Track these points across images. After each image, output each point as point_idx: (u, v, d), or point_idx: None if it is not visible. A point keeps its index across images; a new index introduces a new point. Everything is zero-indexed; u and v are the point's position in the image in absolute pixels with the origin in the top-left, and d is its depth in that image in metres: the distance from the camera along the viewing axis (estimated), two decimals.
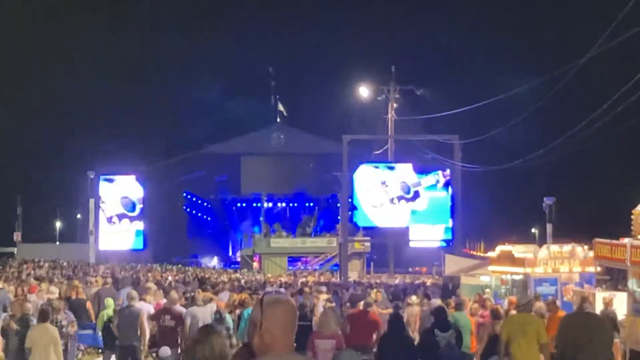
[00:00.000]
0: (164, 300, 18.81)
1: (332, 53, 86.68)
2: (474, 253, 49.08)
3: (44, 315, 14.83)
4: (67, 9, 77.04)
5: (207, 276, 45.63)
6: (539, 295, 21.63)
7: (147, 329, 16.65)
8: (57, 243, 78.29)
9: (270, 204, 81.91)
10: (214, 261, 79.77)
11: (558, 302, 22.50)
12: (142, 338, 16.52)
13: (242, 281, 40.26)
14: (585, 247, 23.92)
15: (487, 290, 26.47)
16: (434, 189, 54.03)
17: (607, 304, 18.87)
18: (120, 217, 67.55)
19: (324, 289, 26.65)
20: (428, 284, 41.32)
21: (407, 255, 68.91)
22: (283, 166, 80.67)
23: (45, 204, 78.64)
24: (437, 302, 19.36)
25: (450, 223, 53.34)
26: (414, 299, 22.44)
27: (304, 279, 47.97)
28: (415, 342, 16.21)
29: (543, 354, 13.27)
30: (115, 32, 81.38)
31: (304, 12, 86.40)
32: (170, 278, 41.04)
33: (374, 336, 15.63)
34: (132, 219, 67.92)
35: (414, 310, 20.76)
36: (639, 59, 31.83)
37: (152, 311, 17.83)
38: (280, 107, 78.74)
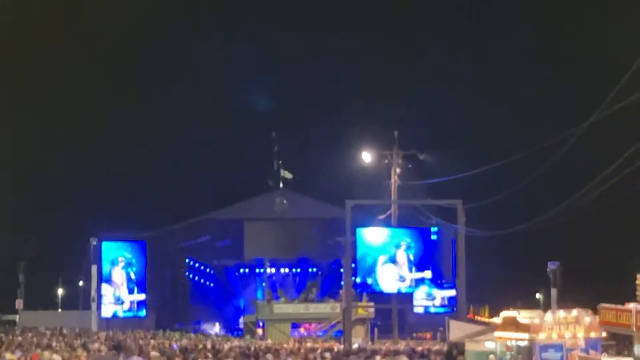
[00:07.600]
0: None
1: (335, 118, 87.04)
2: (479, 319, 48.72)
3: None
4: (73, 70, 77.82)
5: (212, 346, 45.03)
6: None
7: None
8: (59, 310, 77.91)
9: (273, 270, 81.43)
10: (216, 327, 79.18)
11: None
12: None
13: (252, 348, 39.83)
14: (591, 312, 23.75)
15: (491, 356, 26.25)
16: None
17: None
18: (122, 284, 67.65)
19: (327, 354, 26.52)
20: (433, 349, 40.91)
21: (412, 320, 68.48)
22: (286, 231, 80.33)
23: (47, 271, 78.33)
24: None
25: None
26: None
27: (309, 345, 47.49)
28: None
29: None
30: (117, 100, 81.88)
31: (307, 78, 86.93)
32: (175, 345, 40.60)
33: None
34: (135, 285, 68.00)
35: None
36: None
37: None
38: (285, 174, 78.63)
